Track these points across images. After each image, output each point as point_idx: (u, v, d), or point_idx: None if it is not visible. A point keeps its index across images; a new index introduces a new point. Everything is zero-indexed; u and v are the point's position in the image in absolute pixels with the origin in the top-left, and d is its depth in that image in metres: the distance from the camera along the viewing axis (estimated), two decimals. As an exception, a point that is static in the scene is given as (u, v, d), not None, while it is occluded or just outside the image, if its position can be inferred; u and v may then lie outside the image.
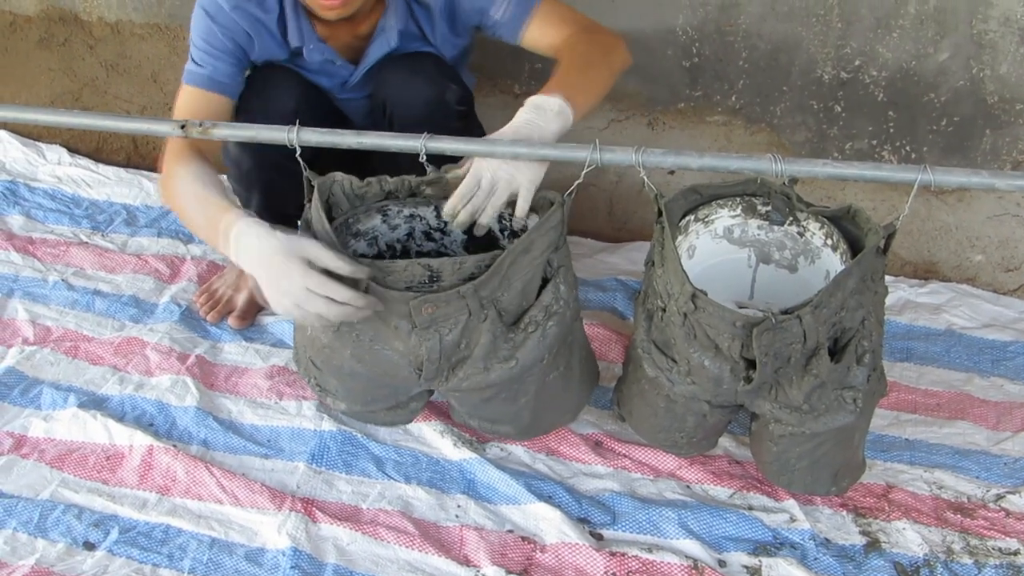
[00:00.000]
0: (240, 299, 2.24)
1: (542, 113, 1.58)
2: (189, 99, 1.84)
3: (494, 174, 1.54)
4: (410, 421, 1.92)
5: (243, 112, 1.88)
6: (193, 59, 1.85)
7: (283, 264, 1.48)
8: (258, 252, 1.51)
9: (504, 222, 1.72)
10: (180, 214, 1.73)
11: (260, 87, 1.90)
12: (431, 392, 1.88)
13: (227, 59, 1.84)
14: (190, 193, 1.67)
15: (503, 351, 1.61)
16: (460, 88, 1.95)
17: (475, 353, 1.61)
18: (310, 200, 1.59)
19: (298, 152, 1.56)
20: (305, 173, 1.60)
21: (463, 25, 1.93)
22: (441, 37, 1.95)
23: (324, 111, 2.04)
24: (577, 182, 1.54)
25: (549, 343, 1.65)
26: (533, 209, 1.62)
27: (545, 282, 1.64)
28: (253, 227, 1.53)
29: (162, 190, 1.75)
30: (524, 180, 1.55)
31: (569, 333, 1.72)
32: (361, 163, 1.82)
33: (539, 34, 1.86)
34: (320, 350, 1.68)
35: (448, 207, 1.57)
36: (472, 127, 2.06)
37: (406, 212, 1.75)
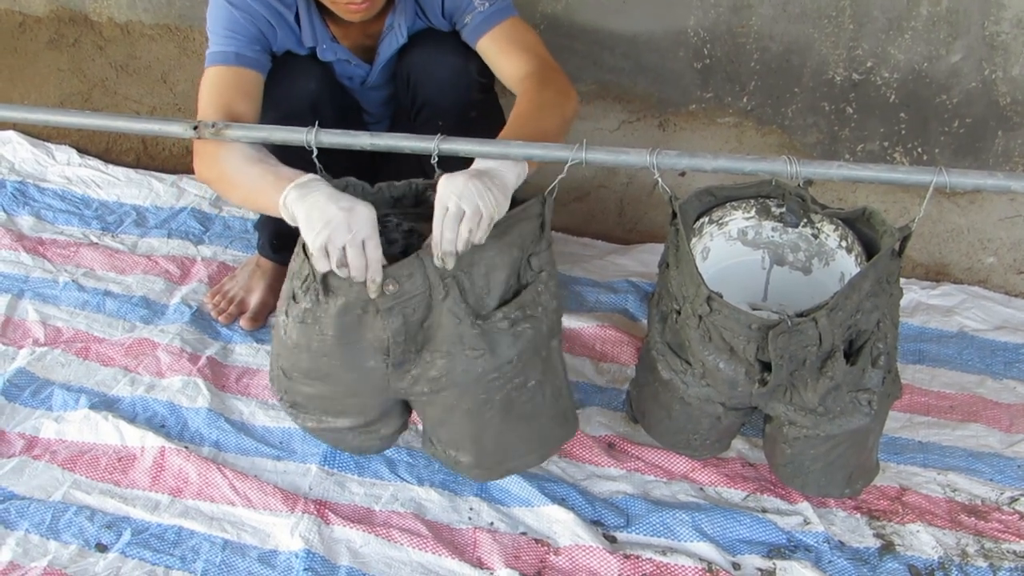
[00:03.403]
0: (252, 300, 2.24)
1: (500, 161, 1.55)
2: (216, 78, 1.79)
3: (459, 201, 1.47)
4: (380, 451, 1.88)
5: (265, 94, 1.88)
6: (215, 44, 1.82)
7: (357, 206, 1.46)
8: (333, 191, 1.49)
9: None
10: (226, 178, 1.66)
11: (281, 71, 1.90)
12: (405, 413, 1.82)
13: (252, 42, 1.82)
14: (249, 157, 1.63)
15: (469, 339, 1.57)
16: (481, 61, 1.95)
17: (438, 335, 1.58)
18: None
19: (315, 153, 1.55)
20: (320, 173, 1.59)
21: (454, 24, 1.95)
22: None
23: (344, 93, 2.05)
24: (559, 176, 1.52)
25: (521, 346, 1.61)
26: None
27: (524, 286, 1.62)
28: (311, 176, 1.54)
29: (202, 159, 1.70)
30: (487, 211, 1.48)
31: (544, 347, 1.67)
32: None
33: (495, 48, 1.87)
34: (291, 350, 1.65)
35: (435, 253, 1.50)
36: (492, 103, 2.06)
37: (405, 227, 1.73)
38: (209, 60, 1.81)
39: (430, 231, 1.70)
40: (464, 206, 1.46)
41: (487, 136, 1.57)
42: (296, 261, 1.61)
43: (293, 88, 1.91)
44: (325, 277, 1.53)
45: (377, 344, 1.59)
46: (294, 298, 1.60)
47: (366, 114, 2.14)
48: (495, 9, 1.86)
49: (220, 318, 2.23)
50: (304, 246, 1.56)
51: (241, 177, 1.63)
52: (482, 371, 1.60)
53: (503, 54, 1.86)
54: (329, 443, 1.86)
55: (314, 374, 1.66)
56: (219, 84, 1.78)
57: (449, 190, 1.48)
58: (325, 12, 1.86)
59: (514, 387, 1.65)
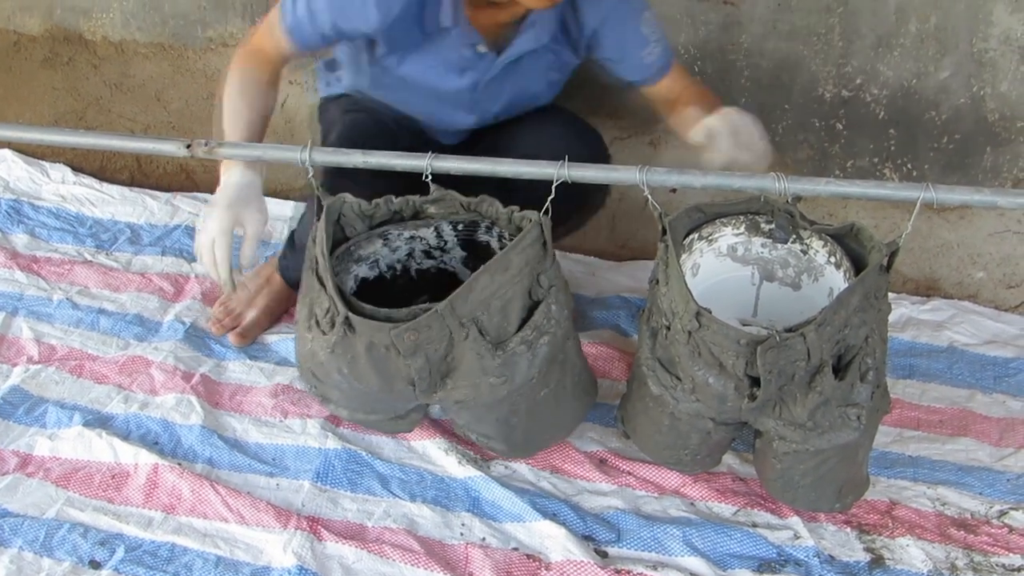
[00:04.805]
0: (247, 316, 2.24)
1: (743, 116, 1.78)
2: (265, 29, 1.87)
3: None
4: (411, 429, 1.95)
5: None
6: (299, 5, 1.79)
7: (220, 209, 1.69)
8: (223, 184, 1.73)
9: (504, 241, 1.74)
10: (219, 111, 1.83)
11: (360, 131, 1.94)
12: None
13: (320, 31, 1.81)
14: (229, 105, 1.80)
15: (492, 370, 1.62)
16: (596, 138, 2.11)
17: (461, 367, 1.62)
18: (319, 219, 1.61)
19: (311, 173, 1.57)
20: (316, 192, 1.61)
21: (594, 52, 1.99)
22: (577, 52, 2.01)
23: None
24: (550, 198, 1.55)
25: (539, 363, 1.66)
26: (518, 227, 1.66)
27: (537, 303, 1.65)
28: (239, 166, 1.73)
29: (221, 82, 1.87)
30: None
31: (560, 351, 1.72)
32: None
33: (669, 85, 1.99)
34: (319, 365, 1.70)
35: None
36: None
37: (406, 235, 1.77)
38: (280, 8, 1.83)
39: (432, 236, 1.75)
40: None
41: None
42: (313, 289, 1.63)
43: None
44: (347, 317, 1.56)
45: (403, 375, 1.62)
46: (318, 324, 1.63)
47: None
48: (670, 51, 1.98)
49: (214, 328, 2.24)
50: (319, 276, 1.60)
51: (218, 118, 1.82)
52: (506, 393, 1.66)
53: (671, 92, 1.99)
54: (361, 425, 1.97)
55: (345, 387, 1.72)
56: (262, 36, 1.87)
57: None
58: None
59: (537, 393, 1.72)
